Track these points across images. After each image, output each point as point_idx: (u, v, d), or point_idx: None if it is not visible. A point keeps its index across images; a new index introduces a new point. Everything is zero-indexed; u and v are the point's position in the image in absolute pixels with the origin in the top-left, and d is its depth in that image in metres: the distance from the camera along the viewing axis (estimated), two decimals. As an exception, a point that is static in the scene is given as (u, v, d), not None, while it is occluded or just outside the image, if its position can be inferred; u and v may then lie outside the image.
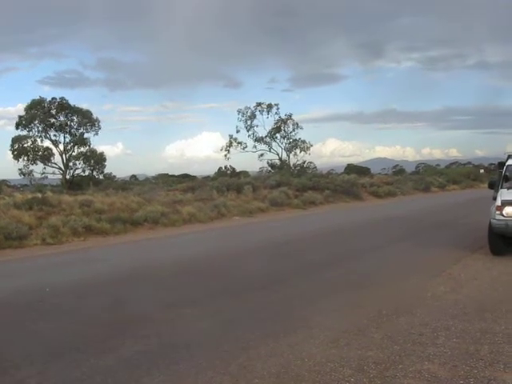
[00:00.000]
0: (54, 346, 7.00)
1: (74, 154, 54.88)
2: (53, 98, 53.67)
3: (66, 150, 54.50)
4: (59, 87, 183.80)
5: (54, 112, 53.42)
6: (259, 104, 62.84)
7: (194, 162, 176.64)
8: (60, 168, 54.76)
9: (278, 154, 64.00)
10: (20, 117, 53.26)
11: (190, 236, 20.12)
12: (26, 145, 53.28)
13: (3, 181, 47.74)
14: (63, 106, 53.54)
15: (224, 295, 9.63)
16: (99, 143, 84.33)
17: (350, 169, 70.20)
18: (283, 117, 63.17)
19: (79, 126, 54.65)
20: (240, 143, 62.72)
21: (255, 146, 63.39)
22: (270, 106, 62.61)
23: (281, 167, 61.22)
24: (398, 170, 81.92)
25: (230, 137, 62.97)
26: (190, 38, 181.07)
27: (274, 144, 63.75)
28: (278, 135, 63.28)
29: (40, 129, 53.47)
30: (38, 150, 53.39)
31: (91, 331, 7.66)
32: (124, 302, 9.38)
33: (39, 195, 23.98)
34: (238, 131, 62.70)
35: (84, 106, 56.15)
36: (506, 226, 12.42)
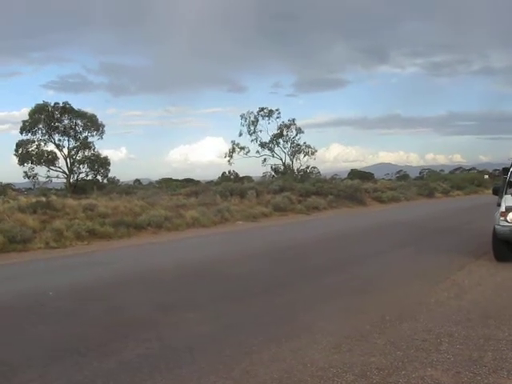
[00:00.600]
0: (55, 349, 6.99)
1: (78, 158, 55.00)
2: (56, 103, 53.84)
3: (70, 154, 54.60)
4: (63, 92, 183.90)
5: (57, 116, 53.52)
6: (262, 109, 62.94)
7: (198, 166, 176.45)
8: (64, 172, 54.86)
9: (281, 159, 64.05)
10: (24, 121, 53.40)
11: (193, 240, 20.12)
12: (30, 149, 53.39)
13: (8, 184, 47.79)
14: (67, 110, 53.63)
15: (227, 299, 9.62)
16: (103, 147, 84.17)
17: (354, 174, 70.18)
18: (286, 122, 63.26)
19: (83, 129, 54.75)
20: (243, 148, 62.80)
21: (258, 151, 63.48)
22: (271, 112, 62.68)
23: (284, 172, 61.20)
24: (402, 176, 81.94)
25: (233, 142, 63.06)
26: (193, 42, 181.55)
27: (277, 149, 63.82)
28: (280, 140, 63.32)
29: (44, 133, 53.60)
30: (42, 155, 53.49)
31: (93, 334, 7.66)
32: (126, 306, 9.38)
33: (43, 199, 24.01)
34: (240, 135, 62.77)
35: (88, 110, 56.25)
36: (510, 232, 12.39)
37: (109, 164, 56.20)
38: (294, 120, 63.62)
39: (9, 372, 6.13)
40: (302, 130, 63.89)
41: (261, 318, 8.30)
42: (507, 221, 12.51)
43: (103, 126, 55.69)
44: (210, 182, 53.95)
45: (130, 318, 8.46)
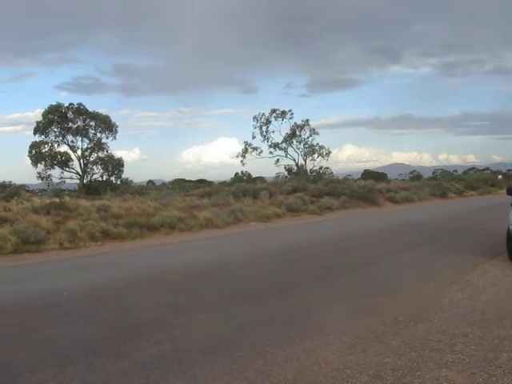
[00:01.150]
0: (69, 349, 7.01)
1: (91, 159, 55.28)
2: (70, 104, 54.18)
3: (83, 155, 54.87)
4: (76, 93, 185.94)
5: (71, 117, 53.82)
6: (274, 110, 62.94)
7: (211, 167, 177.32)
8: (78, 173, 55.17)
9: (294, 160, 64.03)
10: (38, 122, 53.73)
11: (206, 241, 20.12)
12: (43, 150, 53.71)
13: (22, 185, 48.09)
14: (80, 111, 53.93)
15: (239, 300, 9.61)
16: (116, 148, 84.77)
17: (367, 174, 70.14)
18: (299, 122, 63.23)
19: (97, 131, 55.03)
20: (256, 149, 62.84)
21: (271, 152, 63.50)
22: (283, 113, 62.66)
23: (297, 173, 61.17)
24: (415, 176, 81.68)
25: (246, 143, 63.13)
26: (205, 43, 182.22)
27: (290, 149, 63.81)
28: (293, 141, 63.30)
29: (57, 134, 53.92)
30: (56, 156, 53.79)
31: (107, 335, 7.68)
32: (139, 307, 9.39)
33: (57, 200, 24.14)
34: (253, 137, 62.85)
35: (101, 111, 56.58)
36: None
37: (122, 165, 56.60)
38: (307, 120, 63.63)
39: (24, 372, 6.15)
40: (317, 131, 63.91)
41: (274, 319, 8.28)
42: None
43: (116, 126, 56.04)
44: (223, 183, 53.99)
45: (143, 319, 8.48)
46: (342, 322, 7.89)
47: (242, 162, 63.10)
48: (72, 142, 54.69)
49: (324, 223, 27.17)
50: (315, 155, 63.03)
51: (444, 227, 21.79)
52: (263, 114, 62.79)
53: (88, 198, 29.46)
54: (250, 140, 63.35)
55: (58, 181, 54.89)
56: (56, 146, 54.26)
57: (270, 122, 62.55)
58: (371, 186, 41.07)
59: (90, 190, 50.13)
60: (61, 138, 54.18)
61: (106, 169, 55.43)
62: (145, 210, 24.17)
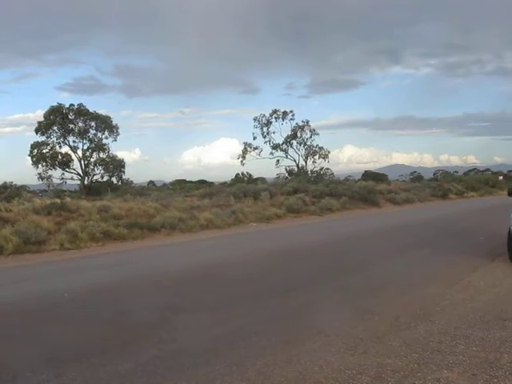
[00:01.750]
0: (70, 350, 7.01)
1: (92, 159, 55.29)
2: (71, 105, 54.19)
3: (84, 156, 54.88)
4: (78, 94, 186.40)
5: (72, 118, 53.85)
6: (275, 111, 62.89)
7: (211, 168, 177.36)
8: (78, 174, 55.18)
9: (295, 161, 64.00)
10: (39, 123, 53.74)
11: (207, 242, 20.13)
12: (44, 151, 53.74)
13: (22, 186, 48.07)
14: (81, 112, 53.96)
15: (240, 301, 9.61)
16: (117, 149, 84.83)
17: (367, 175, 70.11)
18: (300, 123, 63.18)
19: (98, 131, 55.05)
20: (256, 148, 62.78)
21: (272, 153, 63.45)
22: (285, 114, 62.64)
23: (298, 174, 61.15)
24: (416, 177, 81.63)
25: (246, 144, 63.06)
26: (207, 44, 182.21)
27: (290, 150, 63.76)
28: (294, 142, 63.27)
29: (59, 134, 53.94)
30: (57, 156, 53.81)
31: (108, 336, 7.68)
32: (140, 307, 9.40)
33: (58, 201, 24.14)
34: (254, 138, 62.80)
35: (102, 112, 56.57)
36: None
37: (123, 166, 56.51)
38: (307, 122, 63.56)
39: (26, 372, 6.16)
40: (316, 131, 63.80)
41: (274, 320, 8.29)
42: None
43: (117, 127, 56.03)
44: (224, 184, 53.94)
45: (144, 320, 8.48)
46: (342, 323, 7.89)
47: (241, 162, 63.02)
48: (73, 142, 54.76)
49: (324, 224, 27.18)
50: (316, 156, 62.97)
51: (445, 228, 21.78)
52: (264, 114, 62.83)
53: (89, 199, 29.46)
54: (250, 141, 63.30)
55: (58, 181, 54.91)
56: (57, 146, 54.31)
57: (271, 122, 62.55)
58: (372, 187, 41.08)
59: (91, 190, 50.09)
60: (62, 138, 54.21)
61: (106, 169, 55.39)
62: (146, 211, 24.18)
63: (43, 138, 54.03)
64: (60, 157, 54.13)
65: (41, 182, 54.70)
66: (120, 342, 7.28)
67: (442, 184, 54.02)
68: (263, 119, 62.63)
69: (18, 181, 57.15)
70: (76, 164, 55.21)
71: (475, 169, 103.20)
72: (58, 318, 8.89)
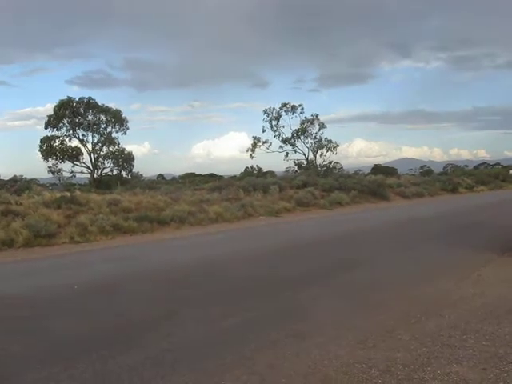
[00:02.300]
0: (80, 343, 7.04)
1: (102, 153, 55.41)
2: (81, 98, 54.30)
3: (94, 150, 55.01)
4: (87, 87, 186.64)
5: (82, 111, 53.96)
6: (284, 105, 62.79)
7: (221, 161, 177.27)
8: (88, 167, 55.31)
9: (304, 154, 63.91)
10: (49, 116, 53.89)
11: (216, 236, 20.13)
12: (54, 144, 53.88)
13: (33, 179, 48.22)
14: (91, 106, 54.06)
15: (249, 294, 9.62)
16: (127, 143, 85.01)
17: (377, 169, 69.87)
18: (309, 117, 63.07)
19: (107, 125, 55.14)
20: (265, 142, 62.72)
21: (281, 147, 63.39)
22: (294, 107, 62.54)
23: (307, 167, 61.05)
24: (426, 171, 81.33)
25: (255, 138, 63.00)
26: (217, 38, 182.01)
27: (299, 144, 63.66)
28: (303, 135, 63.13)
29: (68, 128, 54.08)
30: (67, 150, 53.95)
31: (117, 328, 7.71)
32: (150, 300, 9.44)
33: (68, 194, 24.21)
34: (264, 131, 62.73)
35: (112, 105, 56.68)
36: None
37: (133, 159, 56.64)
38: (317, 115, 63.42)
39: (36, 364, 6.19)
40: (325, 125, 63.65)
41: (284, 313, 8.29)
42: None
43: (127, 121, 56.12)
44: (233, 177, 53.93)
45: (154, 313, 8.49)
46: (352, 317, 7.88)
47: (251, 156, 62.97)
48: (83, 135, 54.88)
49: (333, 218, 27.14)
50: (324, 149, 62.84)
51: (454, 222, 21.70)
52: (273, 108, 62.73)
53: (98, 192, 29.49)
54: (259, 134, 63.22)
55: (68, 175, 55.11)
56: (67, 140, 54.45)
57: (281, 116, 62.46)
58: (381, 181, 40.96)
59: (101, 184, 50.16)
60: (71, 132, 54.36)
61: (116, 163, 55.54)
62: (155, 204, 24.20)
63: (53, 132, 54.19)
64: (70, 150, 54.27)
65: (51, 175, 54.97)
66: (129, 335, 7.31)
67: (452, 178, 53.78)
68: (273, 112, 62.56)
69: (28, 174, 57.53)
70: (86, 157, 55.39)
71: (485, 163, 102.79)
72: (67, 310, 8.92)
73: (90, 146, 55.14)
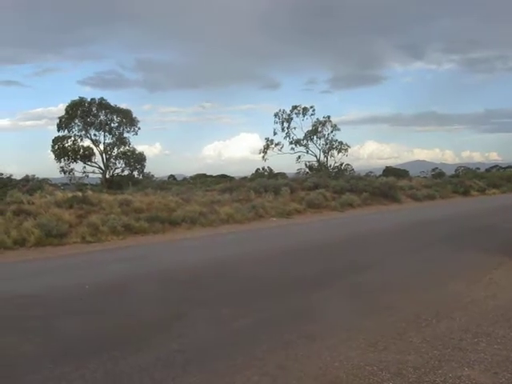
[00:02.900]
0: (91, 343, 7.08)
1: (113, 153, 55.54)
2: (92, 99, 54.48)
3: (106, 150, 55.17)
4: (99, 88, 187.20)
5: (94, 112, 54.16)
6: (295, 107, 62.72)
7: (232, 162, 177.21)
8: (100, 167, 55.47)
9: (315, 156, 63.81)
10: (61, 117, 54.11)
11: (227, 236, 20.14)
12: (66, 144, 54.07)
13: (45, 179, 48.41)
14: (103, 106, 54.23)
15: (260, 296, 9.63)
16: (138, 143, 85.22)
17: (389, 171, 69.53)
18: (321, 119, 62.95)
19: (119, 125, 55.29)
20: (277, 144, 62.69)
21: (293, 148, 63.31)
22: (305, 109, 62.44)
23: (318, 169, 60.95)
24: (437, 173, 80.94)
25: (267, 140, 62.98)
26: (228, 39, 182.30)
27: (311, 146, 63.57)
28: (315, 137, 63.04)
29: (80, 128, 54.27)
30: (79, 150, 54.14)
31: (128, 329, 7.73)
32: (160, 301, 9.47)
33: (80, 194, 24.30)
34: (275, 133, 62.71)
35: (124, 106, 56.78)
36: None
37: (144, 160, 56.62)
38: (329, 117, 63.31)
39: (48, 363, 6.22)
40: (338, 127, 63.53)
41: (295, 314, 8.29)
42: None
43: (138, 121, 56.24)
44: (244, 178, 53.85)
45: (164, 313, 8.51)
46: (363, 319, 7.87)
47: (263, 157, 62.97)
48: (95, 135, 55.05)
49: (345, 220, 27.10)
50: (335, 151, 62.71)
51: (466, 225, 21.60)
52: (284, 110, 62.69)
53: (110, 193, 29.57)
54: (271, 136, 63.11)
55: (80, 175, 55.26)
56: (79, 140, 54.64)
57: (292, 118, 62.39)
58: (393, 183, 40.80)
59: (112, 184, 50.22)
60: (83, 132, 54.55)
61: (127, 163, 55.64)
62: (166, 205, 24.23)
63: (65, 132, 54.38)
64: (82, 150, 54.44)
65: (63, 175, 55.09)
66: (140, 336, 7.33)
67: (464, 181, 53.51)
68: (284, 115, 62.52)
69: (40, 174, 57.55)
70: (98, 158, 55.53)
71: (497, 166, 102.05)
72: (78, 310, 8.96)
73: (101, 147, 55.32)
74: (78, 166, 54.98)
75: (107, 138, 55.47)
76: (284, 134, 62.69)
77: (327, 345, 6.68)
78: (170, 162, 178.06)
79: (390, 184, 39.74)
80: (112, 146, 55.35)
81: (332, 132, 62.86)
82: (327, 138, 62.93)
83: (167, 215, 22.28)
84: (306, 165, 64.13)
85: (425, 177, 71.84)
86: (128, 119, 55.25)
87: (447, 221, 24.04)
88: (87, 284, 10.91)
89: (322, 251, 15.14)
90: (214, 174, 71.49)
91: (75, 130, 54.49)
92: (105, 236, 18.77)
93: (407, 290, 9.84)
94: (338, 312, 8.39)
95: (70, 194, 24.12)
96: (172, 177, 73.16)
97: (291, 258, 14.05)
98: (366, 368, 5.87)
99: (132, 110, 56.91)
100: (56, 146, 54.02)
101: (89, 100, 54.30)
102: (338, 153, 62.73)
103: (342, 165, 63.05)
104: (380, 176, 57.66)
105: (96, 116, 54.49)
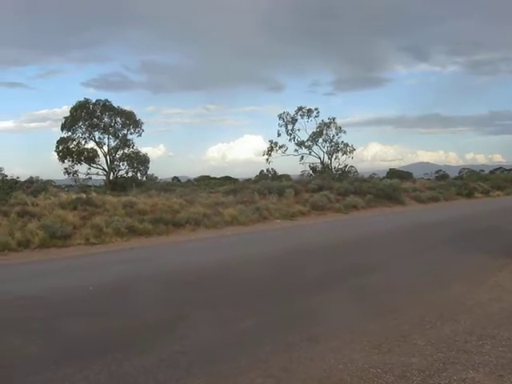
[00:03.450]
0: (94, 344, 7.07)
1: (117, 155, 55.55)
2: (97, 100, 54.53)
3: (110, 152, 55.20)
4: (103, 90, 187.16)
5: (98, 114, 54.20)
6: (300, 109, 62.66)
7: (236, 164, 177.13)
8: (104, 169, 55.50)
9: (319, 158, 63.75)
10: (65, 118, 54.15)
11: (231, 238, 20.14)
12: (70, 146, 54.12)
13: (49, 181, 48.48)
14: (107, 108, 54.26)
15: (264, 298, 9.61)
16: (142, 145, 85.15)
17: (392, 173, 69.48)
18: (326, 121, 62.87)
19: (123, 127, 55.30)
20: (282, 146, 62.62)
21: (297, 150, 63.23)
22: (310, 111, 62.37)
23: (322, 171, 60.88)
24: (441, 175, 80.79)
25: (271, 142, 62.90)
26: (232, 41, 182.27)
27: (315, 148, 63.49)
28: (319, 139, 62.96)
29: (84, 130, 54.31)
30: (83, 152, 54.19)
31: (132, 330, 7.72)
32: (165, 302, 9.46)
33: (84, 196, 24.32)
34: (279, 135, 62.63)
35: (127, 108, 56.76)
36: None
37: (148, 161, 56.62)
38: (333, 119, 63.24)
39: (51, 365, 6.22)
40: (343, 129, 63.44)
41: (299, 316, 8.28)
42: None
43: (142, 123, 56.25)
44: (248, 180, 53.83)
45: (168, 315, 8.50)
46: (367, 322, 7.85)
47: (267, 160, 62.91)
48: (99, 138, 55.09)
49: (349, 222, 27.07)
50: (339, 153, 62.60)
51: (470, 227, 21.54)
52: (288, 112, 62.63)
53: (114, 194, 29.60)
54: (275, 138, 63.00)
55: (84, 177, 55.29)
56: (83, 142, 54.68)
57: (296, 120, 62.33)
58: (397, 185, 40.75)
59: (116, 186, 50.22)
60: (87, 134, 54.58)
61: (131, 165, 55.65)
62: (170, 207, 24.25)
63: (69, 134, 54.43)
64: (86, 152, 54.49)
65: (67, 176, 55.10)
66: (144, 337, 7.32)
67: (468, 183, 53.43)
68: (287, 117, 62.46)
69: (45, 175, 57.46)
70: (101, 159, 55.56)
71: (501, 168, 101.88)
72: (82, 311, 8.96)
73: (105, 148, 55.36)
74: (82, 168, 55.05)
75: (111, 140, 55.52)
76: (288, 136, 62.63)
77: (331, 347, 6.67)
78: (174, 164, 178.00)
79: (393, 186, 39.69)
80: (116, 147, 55.38)
81: (337, 134, 62.76)
82: (332, 140, 62.84)
83: (171, 217, 22.29)
84: (309, 167, 64.11)
85: (428, 179, 71.57)
86: (132, 121, 55.26)
87: (451, 223, 23.99)
88: (91, 285, 10.91)
89: (326, 253, 15.13)
90: (218, 176, 71.61)
91: (79, 132, 54.57)
92: (109, 238, 18.78)
93: (411, 292, 9.82)
94: (341, 314, 8.37)
95: (74, 196, 24.15)
96: (176, 178, 73.18)
97: (295, 260, 14.04)
98: (370, 370, 5.85)
99: (136, 112, 56.93)
100: (60, 148, 54.06)
101: (93, 102, 54.37)
102: (343, 155, 62.63)
103: (345, 167, 62.96)
104: (384, 178, 57.61)
105: (100, 118, 54.53)
